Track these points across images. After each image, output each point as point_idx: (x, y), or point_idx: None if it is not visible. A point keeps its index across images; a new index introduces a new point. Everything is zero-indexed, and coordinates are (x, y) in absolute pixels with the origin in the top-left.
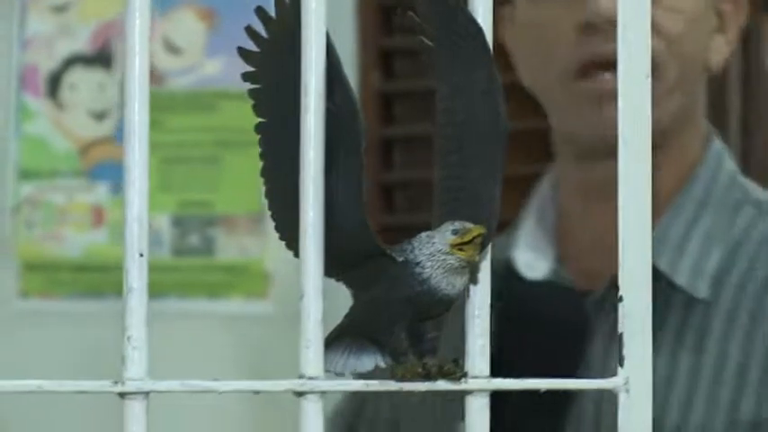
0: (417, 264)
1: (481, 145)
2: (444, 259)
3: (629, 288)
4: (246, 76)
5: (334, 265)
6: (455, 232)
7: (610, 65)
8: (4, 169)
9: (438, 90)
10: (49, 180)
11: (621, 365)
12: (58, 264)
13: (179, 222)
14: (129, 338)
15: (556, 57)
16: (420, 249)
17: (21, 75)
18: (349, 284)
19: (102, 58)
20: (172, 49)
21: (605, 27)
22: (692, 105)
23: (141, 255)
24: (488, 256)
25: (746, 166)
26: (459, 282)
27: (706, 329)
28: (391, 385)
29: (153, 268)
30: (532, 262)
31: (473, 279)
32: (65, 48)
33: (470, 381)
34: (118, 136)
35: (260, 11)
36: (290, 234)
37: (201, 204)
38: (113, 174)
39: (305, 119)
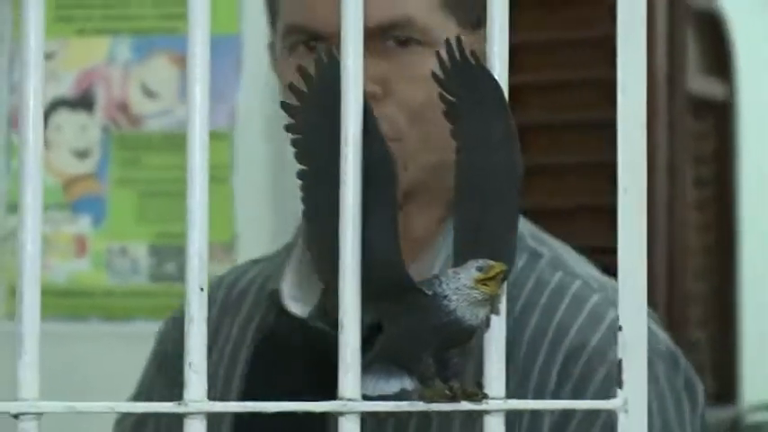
0: (445, 297)
1: (499, 190)
2: (469, 293)
3: (626, 320)
4: (289, 128)
5: (369, 300)
6: (480, 269)
7: None
8: None
9: (459, 140)
10: None
11: (621, 388)
12: (43, 289)
13: (156, 251)
14: (190, 364)
15: None
16: (447, 284)
17: (10, 116)
18: (381, 317)
19: (84, 102)
20: (148, 93)
21: None
22: (448, 153)
23: (201, 289)
24: (505, 290)
25: (672, 200)
26: (482, 313)
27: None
28: (420, 406)
29: (132, 293)
30: (297, 299)
31: (494, 310)
32: (50, 92)
33: (489, 402)
34: (98, 173)
35: (300, 69)
36: (328, 272)
37: (177, 235)
38: (94, 207)
39: (344, 166)
